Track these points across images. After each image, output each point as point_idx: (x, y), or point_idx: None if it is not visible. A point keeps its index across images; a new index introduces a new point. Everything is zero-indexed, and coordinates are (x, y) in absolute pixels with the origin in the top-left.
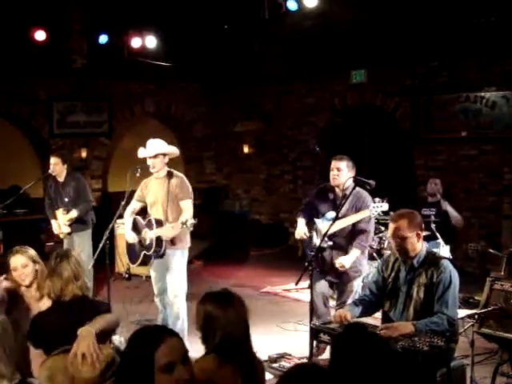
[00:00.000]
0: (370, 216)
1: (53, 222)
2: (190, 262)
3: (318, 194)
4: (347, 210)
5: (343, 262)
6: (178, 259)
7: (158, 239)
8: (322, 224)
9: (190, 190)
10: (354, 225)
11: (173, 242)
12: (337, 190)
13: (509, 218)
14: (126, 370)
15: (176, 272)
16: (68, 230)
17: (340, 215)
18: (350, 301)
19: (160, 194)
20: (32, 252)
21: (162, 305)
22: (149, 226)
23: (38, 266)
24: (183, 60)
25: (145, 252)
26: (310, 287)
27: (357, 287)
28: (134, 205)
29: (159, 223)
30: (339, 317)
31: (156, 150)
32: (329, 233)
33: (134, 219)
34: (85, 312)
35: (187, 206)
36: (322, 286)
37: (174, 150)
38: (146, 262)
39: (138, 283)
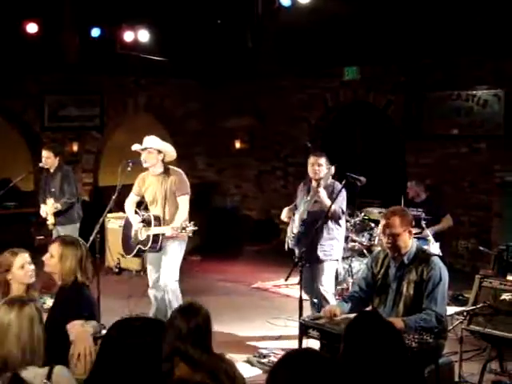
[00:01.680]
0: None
1: (42, 206)
2: (184, 259)
3: (300, 193)
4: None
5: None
6: (174, 248)
7: (155, 235)
8: (297, 213)
9: (188, 185)
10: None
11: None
12: (313, 182)
13: (499, 215)
14: (130, 359)
15: (169, 260)
16: (52, 220)
17: (309, 198)
18: (322, 286)
19: (159, 191)
20: None
21: (154, 297)
22: (148, 222)
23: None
24: (176, 55)
25: (140, 247)
26: (300, 283)
27: (331, 272)
28: (133, 198)
29: (157, 219)
30: (329, 312)
31: (148, 144)
32: (302, 218)
33: (135, 211)
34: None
35: (183, 202)
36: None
37: (168, 149)
38: (139, 254)
39: (128, 277)
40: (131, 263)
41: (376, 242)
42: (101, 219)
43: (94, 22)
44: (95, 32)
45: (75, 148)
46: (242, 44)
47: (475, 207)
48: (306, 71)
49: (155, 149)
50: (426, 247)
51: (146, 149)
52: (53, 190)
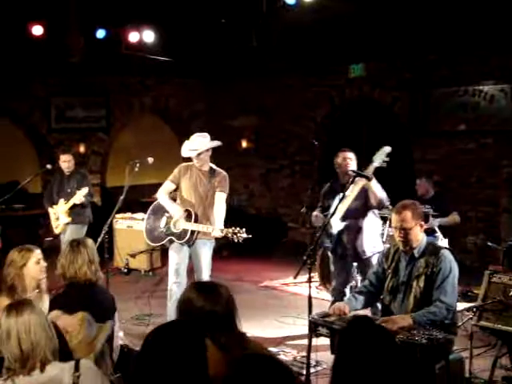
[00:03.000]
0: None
1: (50, 210)
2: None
3: (327, 194)
4: (355, 198)
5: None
6: (208, 249)
7: (193, 231)
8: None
9: (228, 187)
10: (366, 202)
11: (205, 233)
12: (341, 178)
13: (507, 211)
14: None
15: (207, 259)
16: (67, 219)
17: (348, 192)
18: None
19: (199, 185)
20: None
21: (175, 294)
22: (187, 217)
23: None
24: (181, 55)
25: (172, 238)
26: (309, 281)
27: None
28: (168, 186)
29: (196, 215)
30: (338, 309)
31: (199, 146)
32: (340, 214)
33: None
34: (95, 298)
35: (222, 199)
36: (343, 277)
37: (216, 144)
38: (164, 244)
39: (136, 278)
40: (140, 263)
41: (385, 239)
42: (109, 220)
43: (98, 23)
44: (100, 33)
45: (82, 149)
46: (246, 43)
47: (483, 203)
48: (312, 69)
49: (205, 150)
50: None
51: (200, 154)
52: (68, 190)
